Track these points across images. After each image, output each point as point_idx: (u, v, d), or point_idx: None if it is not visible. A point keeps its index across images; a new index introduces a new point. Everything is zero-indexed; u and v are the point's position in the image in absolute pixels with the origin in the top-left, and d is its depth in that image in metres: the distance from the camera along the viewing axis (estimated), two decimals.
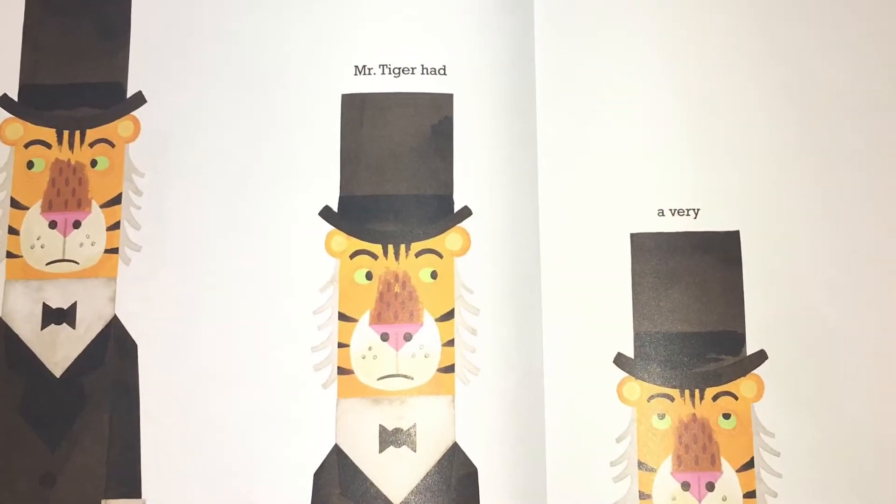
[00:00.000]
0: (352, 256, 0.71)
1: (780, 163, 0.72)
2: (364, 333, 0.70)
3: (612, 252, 0.71)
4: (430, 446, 0.68)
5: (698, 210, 0.71)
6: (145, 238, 0.71)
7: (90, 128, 0.73)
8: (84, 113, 0.73)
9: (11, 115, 0.73)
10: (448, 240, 0.71)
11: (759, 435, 0.69)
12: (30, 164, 0.73)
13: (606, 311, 0.70)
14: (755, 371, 0.69)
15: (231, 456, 0.68)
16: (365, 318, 0.70)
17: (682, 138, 0.72)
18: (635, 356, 0.70)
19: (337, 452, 0.68)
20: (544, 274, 0.70)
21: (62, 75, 0.74)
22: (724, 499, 0.68)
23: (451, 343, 0.70)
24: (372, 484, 0.68)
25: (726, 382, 0.69)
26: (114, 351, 0.70)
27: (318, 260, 0.71)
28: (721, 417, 0.69)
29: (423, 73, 0.73)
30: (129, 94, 0.73)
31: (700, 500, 0.68)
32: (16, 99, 0.73)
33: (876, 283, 0.71)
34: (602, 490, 0.68)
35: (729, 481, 0.68)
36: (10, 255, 0.71)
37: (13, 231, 0.71)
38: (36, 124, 0.73)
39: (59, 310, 0.71)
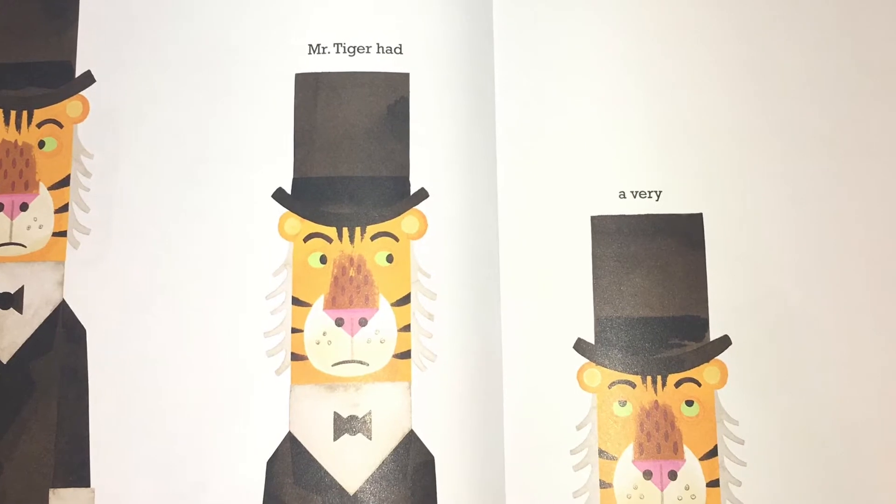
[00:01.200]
0: (306, 240, 0.70)
1: (744, 144, 0.71)
2: (318, 318, 0.69)
3: (573, 235, 0.70)
4: (386, 434, 0.67)
5: (660, 192, 0.70)
6: (94, 221, 0.70)
7: (38, 108, 0.71)
8: (31, 93, 0.72)
9: None
10: (404, 223, 0.70)
11: (722, 422, 0.68)
12: None
13: (566, 296, 0.69)
14: (718, 357, 0.68)
15: (182, 444, 0.67)
16: (319, 303, 0.69)
17: (643, 119, 0.71)
18: (596, 342, 0.69)
19: (290, 440, 0.67)
20: (503, 257, 0.69)
21: (9, 54, 0.72)
22: (687, 487, 0.67)
23: (407, 328, 0.69)
24: (326, 472, 0.67)
25: (689, 368, 0.68)
26: (62, 336, 0.69)
27: (271, 243, 0.70)
28: (684, 404, 0.68)
29: (378, 52, 0.71)
30: (77, 74, 0.72)
31: (662, 489, 0.67)
32: None
33: (841, 265, 0.70)
34: (562, 479, 0.67)
35: (692, 470, 0.67)
36: None
37: None
38: None
39: (6, 294, 0.69)
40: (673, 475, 0.67)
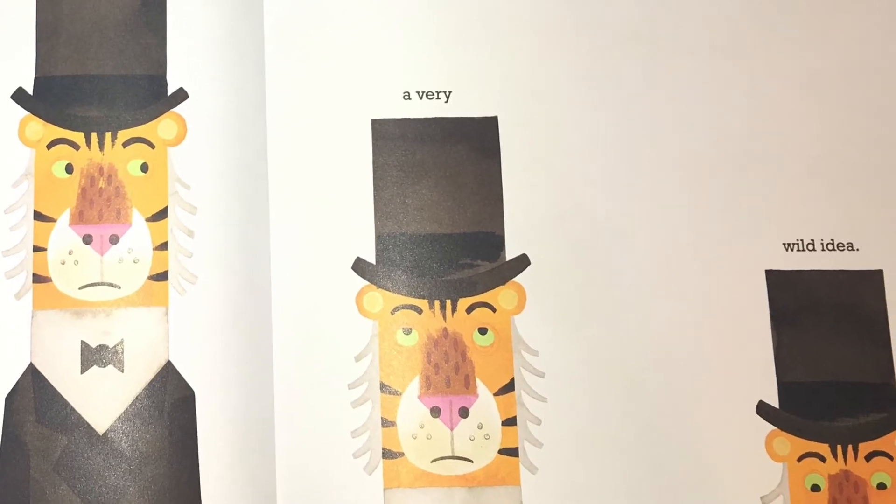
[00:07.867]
0: (49, 146, 0.67)
1: (545, 39, 0.68)
2: (63, 235, 0.66)
3: (351, 141, 0.67)
4: (140, 366, 0.64)
5: (450, 93, 0.68)
6: None
7: None
8: None
9: None
10: (160, 127, 0.67)
11: (520, 353, 0.65)
12: None
13: (344, 210, 0.66)
14: (515, 279, 0.66)
15: None
16: (64, 218, 0.66)
17: (430, 9, 0.68)
18: (377, 262, 0.66)
19: (32, 373, 0.64)
20: (272, 167, 0.66)
21: None
22: (480, 426, 0.64)
23: (164, 246, 0.66)
24: (73, 409, 0.64)
25: (482, 292, 0.66)
26: None
27: (9, 150, 0.66)
28: (476, 332, 0.65)
29: None
30: None
31: (452, 428, 0.64)
32: None
33: (652, 173, 0.67)
34: (338, 416, 0.64)
35: (485, 406, 0.64)
36: None
37: None
38: None
39: None
40: (464, 412, 0.64)
